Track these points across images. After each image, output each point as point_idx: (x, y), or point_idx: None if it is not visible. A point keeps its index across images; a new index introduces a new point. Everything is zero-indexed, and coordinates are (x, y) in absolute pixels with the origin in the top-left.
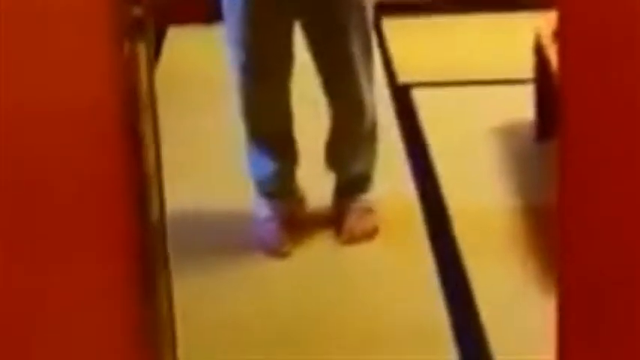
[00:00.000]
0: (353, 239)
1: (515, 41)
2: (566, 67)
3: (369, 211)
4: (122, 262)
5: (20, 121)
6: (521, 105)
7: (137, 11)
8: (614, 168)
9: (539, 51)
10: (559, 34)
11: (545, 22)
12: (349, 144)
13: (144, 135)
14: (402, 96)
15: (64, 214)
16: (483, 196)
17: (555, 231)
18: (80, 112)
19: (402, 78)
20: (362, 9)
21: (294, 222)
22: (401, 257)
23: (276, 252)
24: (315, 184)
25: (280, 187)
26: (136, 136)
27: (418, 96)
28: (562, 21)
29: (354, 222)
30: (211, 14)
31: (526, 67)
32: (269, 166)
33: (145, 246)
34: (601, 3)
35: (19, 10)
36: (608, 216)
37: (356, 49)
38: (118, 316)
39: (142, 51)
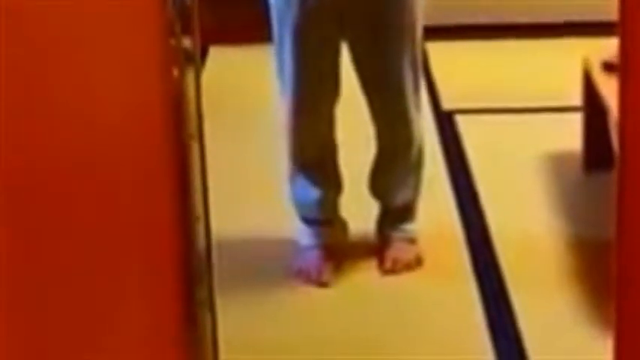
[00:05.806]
0: (395, 269)
1: (562, 68)
2: (626, 100)
3: (412, 241)
4: (169, 294)
5: (65, 158)
6: (568, 133)
7: (186, 43)
8: None
9: (587, 79)
10: (620, 66)
11: (593, 49)
12: (395, 173)
13: (192, 165)
14: (446, 122)
15: (109, 250)
16: (529, 226)
17: (611, 265)
18: (129, 143)
19: (446, 104)
20: (413, 31)
21: (336, 250)
22: (444, 289)
23: (317, 281)
24: (359, 212)
25: (323, 215)
26: (184, 167)
27: (462, 122)
28: (623, 53)
29: (396, 252)
30: (253, 34)
31: (573, 95)
32: (313, 193)
33: (191, 277)
34: None
35: (73, 39)
36: None
37: (406, 75)
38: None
39: (191, 80)
